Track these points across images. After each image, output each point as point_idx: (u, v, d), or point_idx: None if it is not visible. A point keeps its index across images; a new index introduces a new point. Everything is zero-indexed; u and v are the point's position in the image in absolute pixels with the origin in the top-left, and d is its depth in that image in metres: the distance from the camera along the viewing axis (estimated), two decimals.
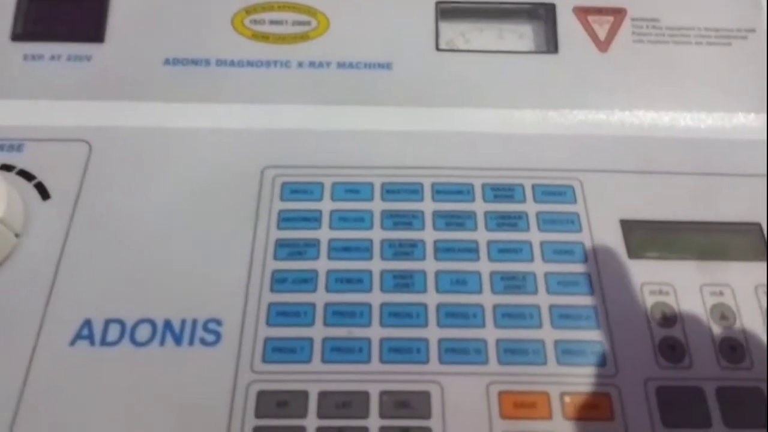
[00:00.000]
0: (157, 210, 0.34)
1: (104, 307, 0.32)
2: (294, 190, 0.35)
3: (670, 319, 0.32)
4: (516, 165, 0.36)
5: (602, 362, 0.31)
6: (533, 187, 0.36)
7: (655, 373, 0.30)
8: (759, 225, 0.35)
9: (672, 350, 0.31)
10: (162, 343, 0.31)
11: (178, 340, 0.31)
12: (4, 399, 0.29)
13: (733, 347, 0.31)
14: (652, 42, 0.40)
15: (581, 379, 0.30)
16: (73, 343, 0.31)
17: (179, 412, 0.29)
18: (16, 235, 0.33)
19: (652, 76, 0.40)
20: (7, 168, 0.35)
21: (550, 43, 0.40)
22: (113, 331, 0.31)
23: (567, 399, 0.30)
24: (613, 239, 0.34)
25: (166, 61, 0.39)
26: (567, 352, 0.31)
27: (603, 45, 0.40)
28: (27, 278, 0.32)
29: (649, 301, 0.32)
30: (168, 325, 0.31)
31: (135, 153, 0.36)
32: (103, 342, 0.31)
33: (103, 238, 0.33)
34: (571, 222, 0.35)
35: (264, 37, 0.39)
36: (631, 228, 0.34)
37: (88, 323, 0.31)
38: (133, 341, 0.31)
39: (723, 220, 0.35)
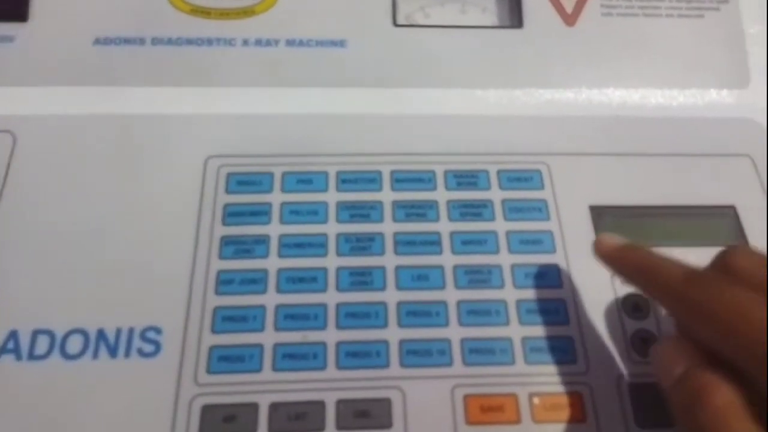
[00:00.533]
0: (90, 206, 0.31)
1: (31, 316, 0.29)
2: (240, 182, 0.32)
3: (642, 310, 0.30)
4: (480, 149, 0.34)
5: (572, 359, 0.29)
6: (498, 173, 0.33)
7: (628, 368, 0.29)
8: (734, 208, 0.33)
9: (645, 344, 0.29)
10: (95, 355, 0.28)
11: (113, 352, 0.28)
12: None
13: None
14: (621, 15, 0.38)
15: (551, 378, 0.28)
16: None
17: (116, 431, 0.26)
18: None
19: (621, 51, 0.38)
20: None
21: (515, 17, 0.38)
22: (41, 344, 0.28)
23: (536, 400, 0.28)
24: (583, 227, 0.32)
25: (97, 41, 0.35)
26: (535, 350, 0.29)
27: (570, 18, 0.38)
28: None
29: (621, 292, 0.31)
30: (102, 335, 0.28)
31: (64, 144, 0.33)
32: (31, 356, 0.28)
33: (30, 238, 0.30)
34: (539, 210, 0.33)
35: (204, 12, 0.36)
36: (600, 214, 0.33)
37: (13, 335, 0.28)
38: (64, 354, 0.28)
39: (697, 203, 0.33)
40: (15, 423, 0.27)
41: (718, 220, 0.33)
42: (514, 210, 0.32)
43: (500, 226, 0.32)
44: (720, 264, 0.25)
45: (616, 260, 0.27)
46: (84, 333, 0.28)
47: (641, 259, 0.26)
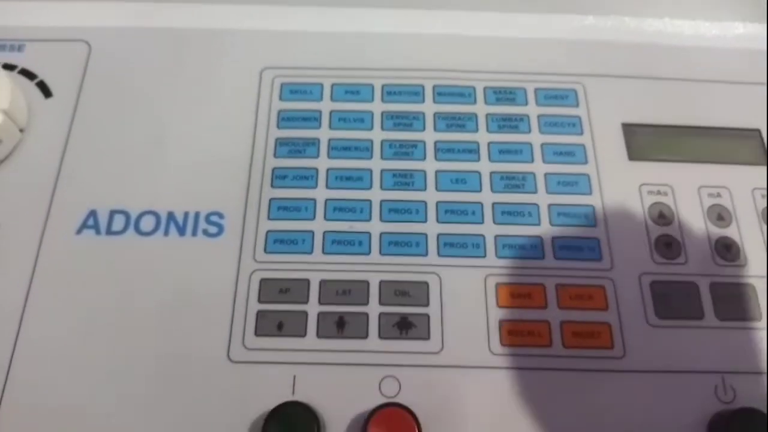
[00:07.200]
0: (157, 107, 0.34)
1: (108, 198, 0.32)
2: (293, 91, 0.35)
3: (667, 217, 0.32)
4: (519, 69, 0.36)
5: (598, 257, 0.31)
6: (535, 90, 0.35)
7: (651, 268, 0.31)
8: (759, 131, 0.35)
9: (668, 247, 0.32)
10: (166, 233, 0.31)
11: (181, 231, 0.31)
12: (14, 284, 0.30)
13: (728, 246, 0.32)
14: None
15: (577, 272, 0.31)
16: (79, 231, 0.31)
17: (185, 298, 0.30)
18: (21, 131, 0.33)
19: None
20: (9, 67, 0.35)
21: None
22: (118, 221, 0.31)
23: (562, 290, 0.30)
24: (615, 142, 0.34)
25: None
26: (564, 248, 0.31)
27: None
28: (33, 171, 0.32)
29: (648, 201, 0.33)
30: (171, 216, 0.31)
31: (134, 53, 0.36)
32: (109, 231, 0.31)
33: (105, 133, 0.34)
34: (573, 125, 0.35)
35: None
36: (632, 131, 0.34)
37: (93, 213, 0.32)
38: (138, 231, 0.31)
39: (724, 125, 0.35)
40: (94, 287, 0.30)
41: (745, 141, 0.35)
42: (549, 124, 0.34)
43: (535, 138, 0.34)
44: None
45: None
46: (156, 214, 0.32)
47: None
